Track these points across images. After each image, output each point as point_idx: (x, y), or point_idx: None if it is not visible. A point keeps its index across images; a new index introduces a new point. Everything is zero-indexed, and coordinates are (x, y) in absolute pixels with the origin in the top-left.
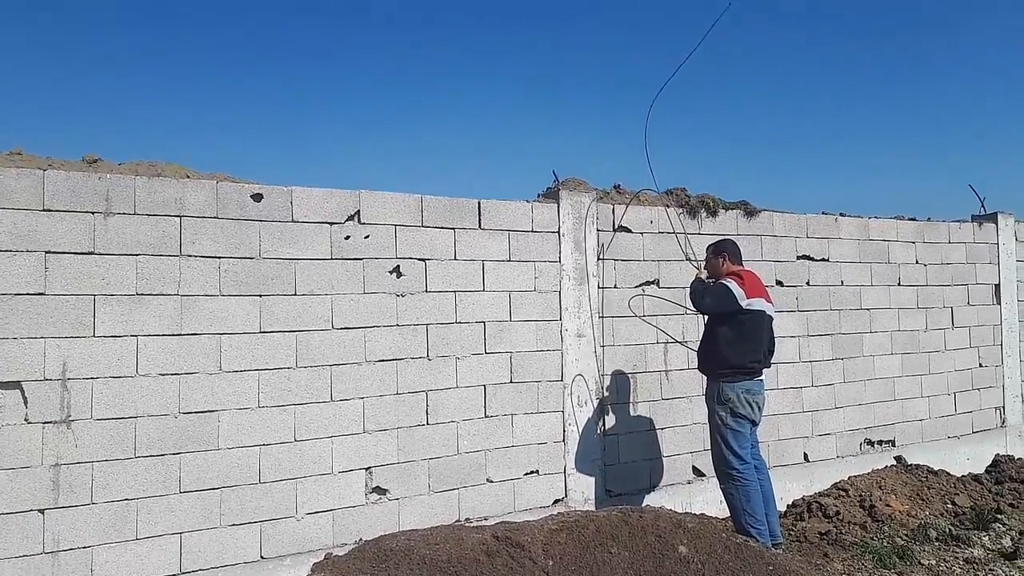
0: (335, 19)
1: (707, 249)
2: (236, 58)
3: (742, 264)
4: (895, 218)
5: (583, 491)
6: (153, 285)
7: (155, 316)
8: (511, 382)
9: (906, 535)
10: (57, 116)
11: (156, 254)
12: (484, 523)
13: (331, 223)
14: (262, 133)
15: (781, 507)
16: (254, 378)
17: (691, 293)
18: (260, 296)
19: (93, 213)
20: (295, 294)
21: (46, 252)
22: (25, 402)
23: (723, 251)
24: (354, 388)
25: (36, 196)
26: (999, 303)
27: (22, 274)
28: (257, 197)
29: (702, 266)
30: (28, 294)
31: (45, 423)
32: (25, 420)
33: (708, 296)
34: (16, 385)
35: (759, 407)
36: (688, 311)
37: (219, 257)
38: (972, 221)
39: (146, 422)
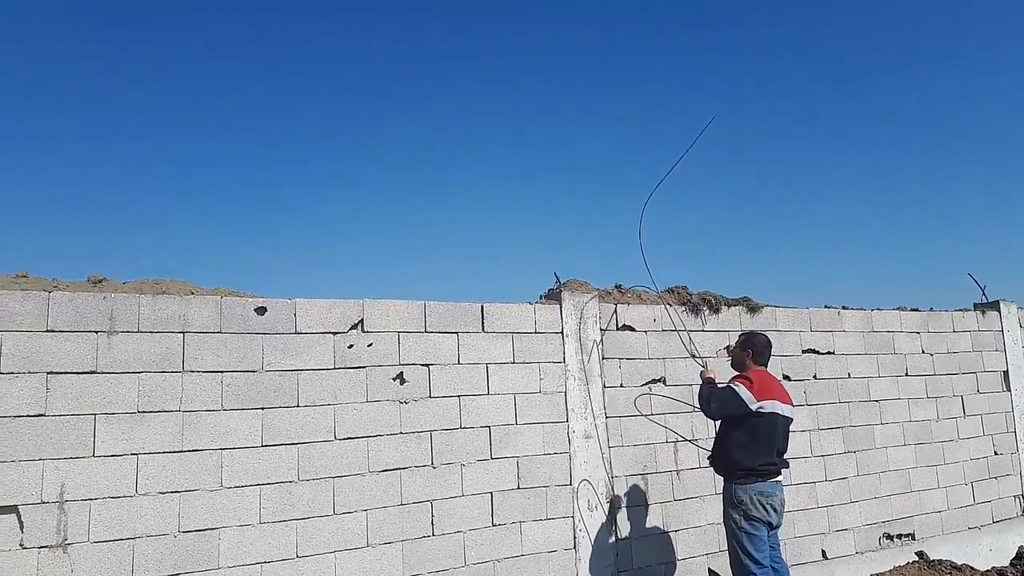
0: (330, 126)
1: (737, 339)
2: (235, 173)
3: (767, 363)
4: (898, 309)
5: None
6: (155, 402)
7: (156, 433)
8: (519, 488)
9: None
10: (62, 237)
11: (159, 371)
12: None
13: (334, 333)
14: (267, 247)
15: None
16: (255, 493)
17: (699, 398)
18: (262, 409)
19: (97, 332)
20: (297, 405)
21: (48, 373)
22: (21, 526)
23: (750, 346)
24: (357, 500)
25: (40, 317)
26: (1009, 390)
27: (23, 396)
28: (260, 310)
29: (707, 363)
30: (28, 416)
31: (41, 547)
32: (20, 545)
33: (714, 401)
34: (12, 509)
35: (775, 509)
36: (696, 409)
37: (221, 372)
38: (975, 310)
39: (145, 543)
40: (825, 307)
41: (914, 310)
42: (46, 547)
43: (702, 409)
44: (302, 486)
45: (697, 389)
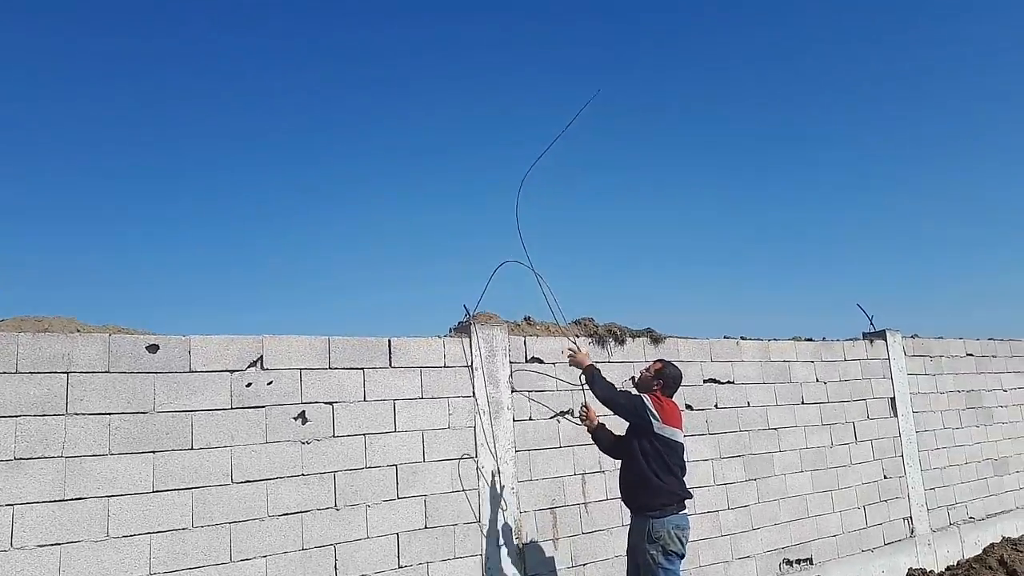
0: (229, 155)
1: (652, 364)
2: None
3: (672, 396)
4: (793, 339)
5: None
6: (34, 448)
7: (34, 482)
8: (426, 527)
9: None
10: None
11: (39, 414)
12: None
13: (232, 371)
14: (159, 282)
15: None
16: (145, 542)
17: (602, 385)
18: (153, 452)
19: None
20: (191, 448)
21: None
22: None
23: (662, 378)
24: (256, 546)
25: None
26: (896, 415)
27: None
28: (152, 348)
29: (580, 347)
30: None
31: None
32: None
33: (623, 398)
34: None
35: (685, 541)
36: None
37: (109, 414)
38: (864, 339)
39: None
40: (725, 337)
41: (808, 339)
42: None
43: (602, 396)
44: (196, 533)
45: (577, 374)
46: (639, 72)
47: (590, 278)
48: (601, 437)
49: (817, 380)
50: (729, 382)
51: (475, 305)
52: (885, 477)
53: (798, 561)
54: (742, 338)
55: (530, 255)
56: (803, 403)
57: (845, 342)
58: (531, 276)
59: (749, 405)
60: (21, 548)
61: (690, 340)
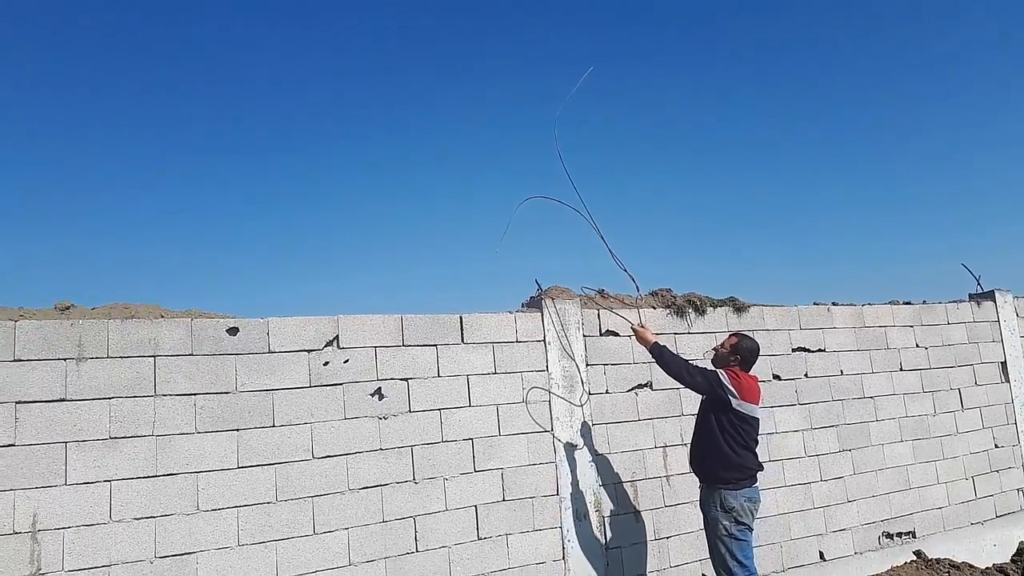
0: (306, 147)
1: (728, 338)
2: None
3: (750, 370)
4: (890, 303)
5: None
6: (127, 427)
7: (129, 459)
8: (504, 500)
9: None
10: (30, 267)
11: (130, 396)
12: None
13: (309, 351)
14: (239, 267)
15: None
16: (233, 515)
17: (671, 362)
18: (237, 430)
19: (65, 360)
20: (273, 425)
21: (16, 403)
22: None
23: (739, 352)
24: (338, 519)
25: (7, 347)
26: (1008, 381)
27: None
28: (233, 331)
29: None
30: None
31: None
32: None
33: (699, 375)
34: None
35: (756, 513)
36: (685, 414)
37: (194, 394)
38: (970, 300)
39: (121, 569)
40: (815, 304)
41: (907, 303)
42: None
43: (674, 374)
44: (281, 506)
45: (644, 350)
46: (720, 18)
47: (669, 251)
48: (666, 358)
49: (917, 346)
50: (820, 350)
51: (501, 237)
52: (997, 446)
53: (899, 534)
54: (833, 304)
55: (601, 224)
56: (902, 370)
57: (948, 304)
58: (604, 249)
59: (842, 373)
60: (120, 521)
61: (776, 308)
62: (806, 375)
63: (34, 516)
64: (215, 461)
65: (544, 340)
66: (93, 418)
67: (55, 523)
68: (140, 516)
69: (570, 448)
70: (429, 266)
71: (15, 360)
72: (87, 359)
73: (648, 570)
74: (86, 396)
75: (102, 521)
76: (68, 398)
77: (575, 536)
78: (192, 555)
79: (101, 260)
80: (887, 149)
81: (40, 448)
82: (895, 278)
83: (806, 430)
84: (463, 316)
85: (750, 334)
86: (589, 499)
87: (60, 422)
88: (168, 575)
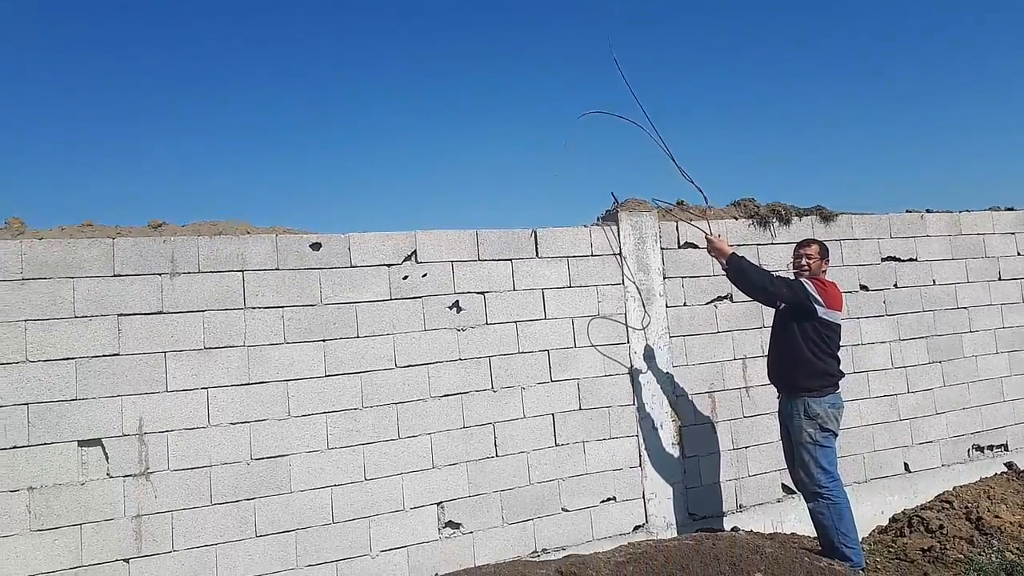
0: (375, 59)
1: (800, 249)
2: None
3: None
4: (990, 209)
5: (664, 516)
6: (220, 338)
7: (223, 368)
8: (580, 409)
9: (1017, 549)
10: (124, 185)
11: (222, 308)
12: (560, 553)
13: (389, 265)
14: (318, 182)
15: (883, 521)
16: (322, 421)
17: (752, 273)
18: (324, 341)
19: (160, 275)
20: (357, 336)
21: (118, 315)
22: (106, 457)
23: (819, 256)
24: (420, 424)
25: (107, 263)
26: None
27: (97, 337)
28: (316, 246)
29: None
30: (103, 356)
31: (126, 476)
32: (107, 475)
33: (784, 286)
34: (97, 442)
35: (840, 419)
36: (765, 326)
37: (282, 307)
38: None
39: (220, 470)
40: (907, 211)
41: (1009, 209)
42: (130, 476)
43: (758, 286)
44: (366, 413)
45: (718, 262)
46: None
47: (756, 162)
48: (745, 269)
49: (1019, 254)
50: (911, 259)
51: (564, 150)
52: None
53: (990, 447)
54: (927, 211)
55: (672, 135)
56: (1000, 279)
57: None
58: (681, 157)
59: (935, 283)
60: (217, 425)
61: (865, 216)
62: (895, 285)
63: (140, 420)
64: (304, 370)
65: (620, 253)
66: (188, 329)
67: (159, 427)
68: (236, 421)
69: (647, 360)
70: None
71: (115, 275)
72: (180, 274)
73: (726, 479)
74: (181, 309)
75: (201, 425)
76: (165, 310)
77: (652, 445)
78: (285, 457)
79: (192, 180)
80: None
81: (142, 357)
82: (994, 187)
83: (894, 341)
84: (537, 230)
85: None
86: (666, 409)
87: (159, 333)
88: (263, 475)
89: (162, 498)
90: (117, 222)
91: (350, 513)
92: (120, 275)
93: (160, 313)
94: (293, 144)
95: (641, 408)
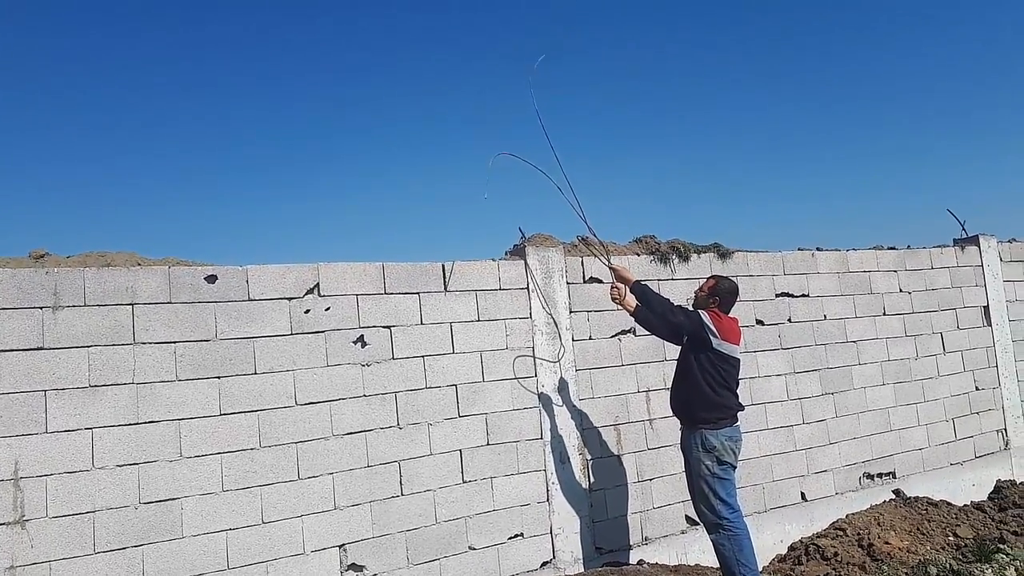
0: (283, 90)
1: (706, 280)
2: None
3: (729, 311)
4: (874, 248)
5: (571, 551)
6: (107, 376)
7: (110, 407)
8: (488, 444)
9: (906, 573)
10: (3, 215)
11: (109, 344)
12: None
13: (290, 298)
14: (216, 214)
15: (782, 549)
16: (216, 462)
17: (654, 301)
18: (219, 378)
19: (42, 308)
20: (255, 373)
21: None
22: None
23: (716, 294)
24: (322, 464)
25: None
26: (990, 324)
27: None
28: (211, 279)
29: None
30: None
31: None
32: None
33: (681, 314)
34: None
35: (738, 452)
36: (668, 359)
37: (174, 342)
38: (954, 245)
39: (105, 515)
40: (799, 249)
41: (891, 248)
42: (4, 524)
43: (659, 314)
44: (264, 452)
45: (619, 291)
46: None
47: (654, 199)
48: (648, 296)
49: (901, 290)
50: (804, 295)
51: (485, 191)
52: (977, 388)
53: (880, 475)
54: (818, 249)
55: (576, 169)
56: (885, 314)
57: (932, 249)
58: (587, 195)
59: (825, 318)
60: (102, 468)
61: (760, 253)
62: (790, 320)
63: (15, 463)
64: (197, 408)
65: (527, 288)
66: (72, 366)
67: (37, 470)
68: (123, 463)
69: (554, 393)
70: (414, 218)
71: None
72: (63, 308)
73: (631, 511)
74: (64, 344)
75: (84, 468)
76: (46, 346)
77: (559, 479)
78: (176, 500)
79: (76, 209)
80: (875, 94)
81: (19, 396)
82: (880, 225)
83: (789, 374)
84: (445, 264)
85: (729, 276)
86: (573, 443)
87: (38, 370)
88: (153, 520)
89: (39, 547)
90: None
91: (247, 558)
92: None
93: (41, 349)
94: (191, 175)
95: (548, 442)
